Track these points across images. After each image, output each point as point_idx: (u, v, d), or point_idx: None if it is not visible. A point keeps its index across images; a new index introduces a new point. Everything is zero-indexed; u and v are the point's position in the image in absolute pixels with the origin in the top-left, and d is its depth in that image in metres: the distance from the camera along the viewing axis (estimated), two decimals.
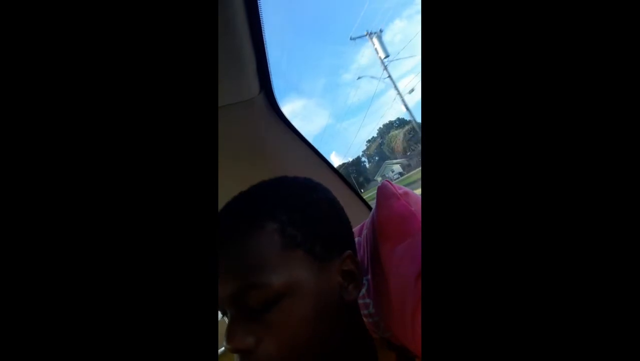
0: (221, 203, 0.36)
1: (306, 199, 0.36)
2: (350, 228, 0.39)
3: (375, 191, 0.43)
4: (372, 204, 0.45)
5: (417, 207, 0.38)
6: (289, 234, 0.33)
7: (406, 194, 0.40)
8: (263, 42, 0.49)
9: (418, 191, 0.39)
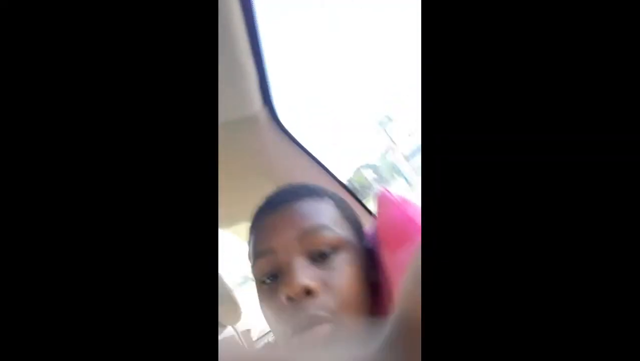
0: (226, 216, 0.40)
1: (337, 194, 0.44)
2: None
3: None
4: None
5: (415, 213, 0.40)
6: (340, 209, 0.41)
7: (404, 201, 0.41)
8: (262, 55, 0.51)
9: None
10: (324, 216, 0.39)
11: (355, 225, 0.42)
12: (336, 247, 0.37)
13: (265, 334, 1.40)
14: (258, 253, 0.38)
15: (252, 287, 0.43)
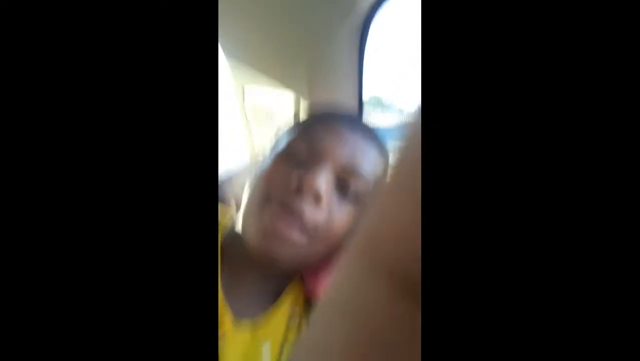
0: None
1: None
2: None
3: None
4: None
5: None
6: (385, 171, 0.41)
7: None
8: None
9: None
10: (374, 170, 0.39)
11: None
12: (357, 197, 0.37)
13: None
14: (305, 139, 0.38)
15: None
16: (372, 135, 0.41)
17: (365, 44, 0.59)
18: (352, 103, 0.64)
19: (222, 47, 0.69)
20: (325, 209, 0.35)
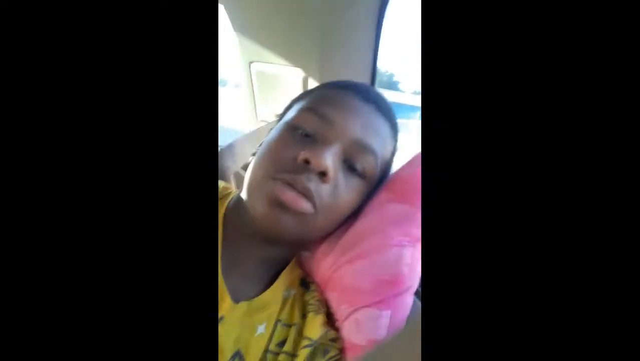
0: None
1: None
2: None
3: None
4: None
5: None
6: (394, 147, 0.42)
7: None
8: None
9: None
10: (384, 145, 0.39)
11: (388, 166, 0.42)
12: (365, 173, 0.37)
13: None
14: (315, 110, 0.37)
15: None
16: (385, 107, 0.40)
17: (382, 21, 0.57)
18: (365, 80, 0.62)
19: (230, 20, 0.66)
20: (331, 184, 0.35)
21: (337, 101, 0.38)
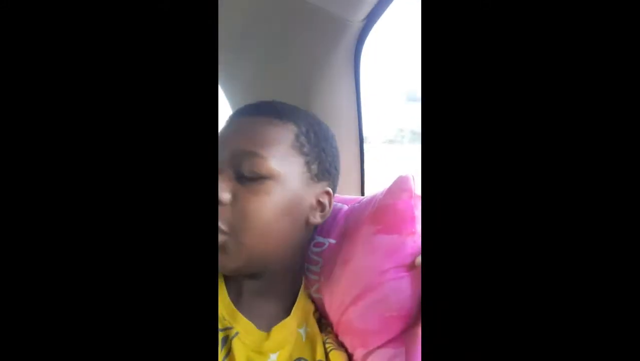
0: None
1: (322, 125, 0.43)
2: (339, 167, 0.44)
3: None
4: None
5: (414, 215, 0.38)
6: (300, 140, 0.39)
7: (418, 198, 0.40)
8: None
9: None
10: (270, 141, 0.38)
11: (323, 164, 0.41)
12: (264, 175, 0.36)
13: None
14: (221, 139, 0.39)
15: None
16: (262, 107, 0.41)
17: (359, 63, 0.57)
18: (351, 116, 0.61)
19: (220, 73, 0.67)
20: (228, 203, 0.36)
21: (231, 127, 0.40)
